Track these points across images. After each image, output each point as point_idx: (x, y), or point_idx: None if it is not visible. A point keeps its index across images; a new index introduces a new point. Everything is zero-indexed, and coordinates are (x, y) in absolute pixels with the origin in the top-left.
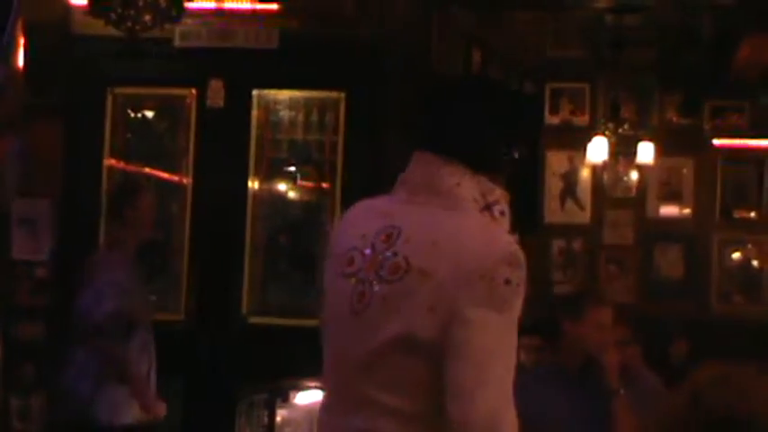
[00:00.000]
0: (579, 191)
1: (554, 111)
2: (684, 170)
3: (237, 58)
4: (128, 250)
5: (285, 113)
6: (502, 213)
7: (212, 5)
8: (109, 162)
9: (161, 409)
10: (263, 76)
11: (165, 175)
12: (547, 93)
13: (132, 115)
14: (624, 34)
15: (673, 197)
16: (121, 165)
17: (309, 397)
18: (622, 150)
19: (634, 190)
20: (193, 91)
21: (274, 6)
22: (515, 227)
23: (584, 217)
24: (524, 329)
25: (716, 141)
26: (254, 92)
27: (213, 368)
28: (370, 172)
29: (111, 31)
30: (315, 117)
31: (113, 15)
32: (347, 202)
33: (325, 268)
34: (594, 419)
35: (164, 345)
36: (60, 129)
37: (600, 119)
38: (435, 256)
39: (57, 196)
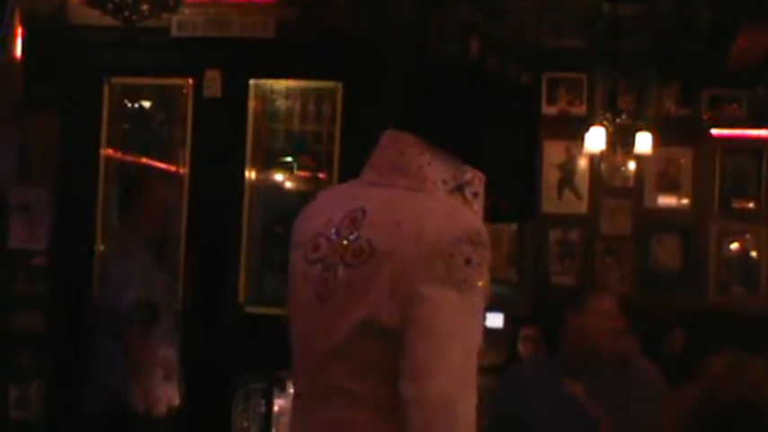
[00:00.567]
0: (577, 181)
1: (551, 101)
2: (682, 160)
3: (234, 48)
4: (143, 240)
5: (282, 103)
6: (475, 195)
7: None
8: (106, 152)
9: (161, 406)
10: (260, 65)
11: (162, 166)
12: (544, 83)
13: (129, 105)
14: (621, 24)
15: (670, 187)
16: (118, 155)
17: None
18: (620, 140)
19: (632, 180)
20: (190, 81)
21: None
22: (515, 217)
23: (582, 207)
24: (522, 320)
25: (714, 131)
26: (251, 82)
27: (210, 358)
28: (366, 161)
29: (109, 20)
30: (312, 107)
31: (110, 5)
32: None
33: (290, 257)
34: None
35: None
36: (57, 119)
37: (597, 109)
38: (397, 237)
39: (54, 186)
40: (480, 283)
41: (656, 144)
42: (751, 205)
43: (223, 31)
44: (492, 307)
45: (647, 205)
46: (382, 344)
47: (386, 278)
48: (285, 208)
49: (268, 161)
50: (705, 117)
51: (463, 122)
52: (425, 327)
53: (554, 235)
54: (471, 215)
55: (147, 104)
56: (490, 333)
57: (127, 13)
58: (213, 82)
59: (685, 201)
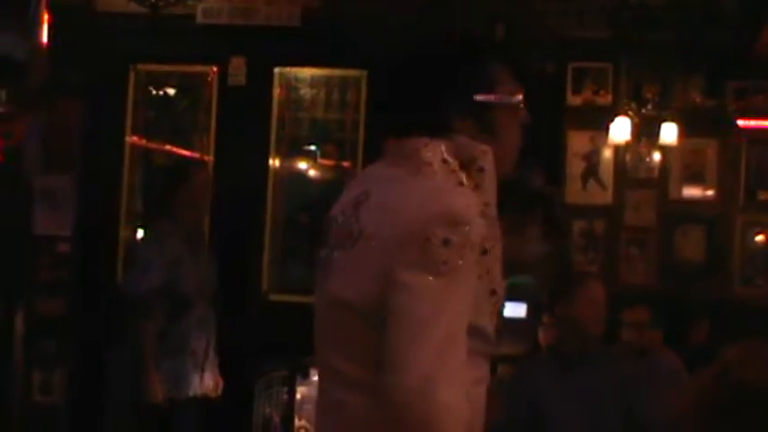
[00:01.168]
0: (601, 171)
1: (576, 91)
2: (708, 151)
3: (259, 36)
4: (182, 228)
5: (306, 91)
6: (480, 170)
7: None
8: (130, 139)
9: (160, 396)
10: (285, 53)
11: (186, 153)
12: (569, 72)
13: (154, 92)
14: (647, 14)
15: (696, 178)
16: (143, 142)
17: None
18: (645, 131)
19: (657, 171)
20: (215, 68)
21: None
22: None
23: (606, 198)
24: (543, 308)
25: (740, 122)
26: (276, 70)
27: (233, 345)
28: None
29: (134, 7)
30: (336, 95)
31: None
32: None
33: None
34: (590, 404)
35: None
36: (82, 105)
37: (623, 99)
38: (381, 220)
39: (78, 172)
40: (463, 264)
41: (681, 135)
42: None
43: (248, 19)
44: (515, 297)
45: (672, 196)
46: (366, 328)
47: (368, 261)
48: (308, 196)
49: (292, 149)
50: (731, 108)
51: (439, 98)
52: (402, 314)
53: (578, 225)
54: (454, 195)
55: (171, 91)
56: (513, 323)
57: (152, 1)
58: (238, 70)
59: (710, 192)
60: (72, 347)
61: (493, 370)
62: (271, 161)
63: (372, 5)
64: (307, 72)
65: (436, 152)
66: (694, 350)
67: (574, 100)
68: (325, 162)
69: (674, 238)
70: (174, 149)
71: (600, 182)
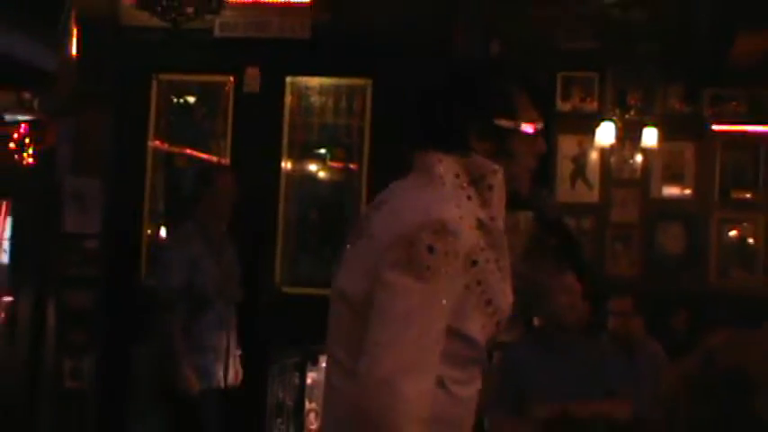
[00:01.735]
0: (588, 172)
1: (565, 98)
2: (686, 153)
3: (272, 48)
4: (205, 230)
5: (316, 99)
6: (489, 188)
7: None
8: (153, 144)
9: (194, 386)
10: (296, 64)
11: (205, 156)
12: (559, 81)
13: (175, 100)
14: (630, 28)
15: (675, 179)
16: (164, 146)
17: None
18: (628, 135)
19: (639, 172)
20: (231, 78)
21: (307, 0)
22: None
23: (593, 197)
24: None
25: (715, 127)
26: (288, 79)
27: (249, 334)
28: (394, 154)
29: (157, 22)
30: (343, 102)
31: (159, 8)
32: (373, 181)
33: None
34: (571, 386)
35: None
36: (108, 113)
37: (608, 106)
38: (381, 221)
39: (105, 175)
40: (446, 271)
41: (661, 138)
42: (748, 195)
43: (262, 32)
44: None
45: (653, 195)
46: (355, 319)
47: (364, 258)
48: (318, 196)
49: (303, 153)
50: (707, 114)
51: (455, 119)
52: (381, 310)
53: (567, 222)
54: (447, 206)
55: (191, 99)
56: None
57: (173, 15)
58: (252, 79)
59: (688, 191)
60: (99, 337)
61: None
62: (283, 163)
63: (377, 20)
64: (316, 81)
65: (449, 167)
66: (674, 337)
67: (563, 106)
68: (334, 164)
69: (656, 234)
70: (194, 153)
71: (587, 182)
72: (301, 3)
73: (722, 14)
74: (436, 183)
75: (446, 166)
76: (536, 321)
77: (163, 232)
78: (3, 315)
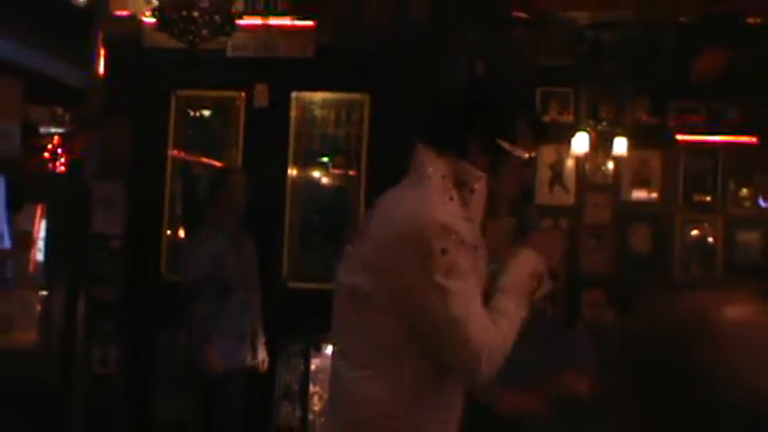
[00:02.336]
0: (565, 178)
1: (544, 111)
2: (652, 161)
3: (279, 66)
4: (224, 226)
5: (319, 112)
6: (471, 191)
7: (259, 22)
8: (172, 153)
9: (218, 366)
10: (301, 80)
11: (219, 164)
12: (538, 95)
13: (191, 114)
14: (602, 47)
15: (643, 184)
16: (182, 155)
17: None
18: (601, 144)
19: (610, 177)
20: (242, 93)
21: (310, 23)
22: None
23: (569, 200)
24: None
25: (678, 137)
26: (293, 94)
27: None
28: (390, 161)
29: (175, 43)
30: (344, 115)
31: (177, 30)
32: (371, 186)
33: None
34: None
35: None
36: (132, 125)
37: (582, 118)
38: (380, 222)
39: (128, 181)
40: (460, 261)
41: (630, 147)
42: (708, 199)
43: (270, 52)
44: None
45: (624, 199)
46: (355, 310)
47: (362, 254)
48: (321, 200)
49: (307, 160)
50: (671, 125)
51: (453, 128)
52: (437, 310)
53: (546, 223)
54: (438, 209)
55: (206, 113)
56: None
57: (190, 37)
58: (262, 94)
59: (654, 195)
60: (123, 327)
61: None
62: (289, 170)
63: (373, 42)
64: (319, 96)
65: (439, 169)
66: None
67: (542, 119)
68: (335, 171)
69: (626, 233)
70: (209, 161)
71: (564, 186)
72: (305, 26)
73: (684, 36)
74: (424, 182)
75: (436, 168)
76: None
77: (180, 233)
78: (39, 307)
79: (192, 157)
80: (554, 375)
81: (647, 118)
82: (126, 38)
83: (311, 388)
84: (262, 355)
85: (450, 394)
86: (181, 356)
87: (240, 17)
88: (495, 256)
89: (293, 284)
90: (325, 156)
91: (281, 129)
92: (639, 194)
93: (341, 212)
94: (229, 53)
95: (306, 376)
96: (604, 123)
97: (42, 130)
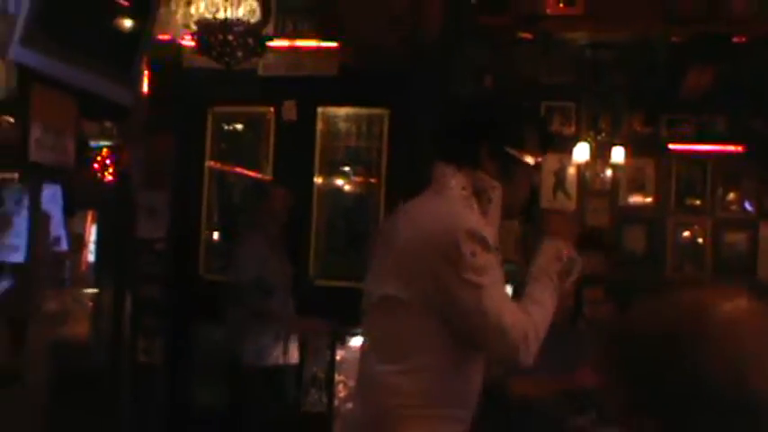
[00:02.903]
0: (567, 184)
1: (548, 123)
2: (647, 168)
3: (306, 84)
4: (266, 234)
5: (342, 125)
6: (489, 201)
7: (287, 44)
8: (209, 164)
9: (322, 326)
10: (326, 97)
11: (251, 174)
12: (543, 110)
13: (226, 128)
14: (601, 65)
15: (638, 189)
16: (218, 166)
17: (361, 341)
18: (600, 153)
19: (609, 183)
20: (272, 109)
21: (334, 44)
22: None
23: (571, 205)
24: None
25: (671, 146)
26: (319, 109)
27: None
28: (406, 170)
29: (212, 64)
30: (365, 128)
31: (214, 53)
32: (390, 193)
33: None
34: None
35: None
36: (172, 139)
37: (583, 129)
38: (410, 231)
39: (170, 190)
40: (489, 262)
41: (627, 156)
42: (698, 203)
43: (297, 71)
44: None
45: (621, 203)
46: (389, 312)
47: (393, 264)
48: (344, 206)
49: (331, 170)
50: (664, 135)
51: (467, 142)
52: (474, 303)
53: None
54: (467, 216)
55: (239, 127)
56: None
57: (226, 59)
58: (290, 109)
59: (649, 200)
60: (166, 321)
61: None
62: (315, 179)
63: (392, 60)
64: (343, 110)
65: (459, 181)
66: None
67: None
68: (357, 179)
69: (623, 235)
70: (242, 171)
71: (566, 192)
72: (330, 47)
73: (676, 55)
74: (446, 193)
75: (456, 180)
76: None
77: (215, 236)
78: (91, 304)
79: (226, 168)
80: (565, 370)
81: (642, 129)
82: (167, 60)
83: (336, 377)
84: (294, 352)
85: (471, 383)
86: (221, 350)
87: (271, 40)
88: (506, 256)
89: (319, 282)
90: (348, 165)
91: (307, 141)
92: (635, 199)
93: (362, 216)
94: (261, 72)
95: (332, 366)
96: (603, 134)
97: (92, 143)
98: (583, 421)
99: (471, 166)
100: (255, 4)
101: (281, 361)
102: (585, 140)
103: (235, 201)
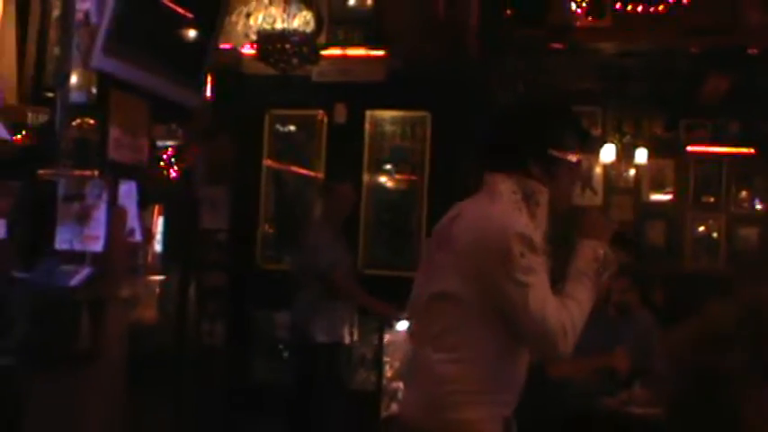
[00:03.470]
0: (594, 183)
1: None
2: (667, 168)
3: (355, 88)
4: (333, 222)
5: (389, 127)
6: (537, 204)
7: (338, 52)
8: (266, 162)
9: (390, 310)
10: (374, 101)
11: (304, 171)
12: None
13: (281, 129)
14: (625, 73)
15: (659, 187)
16: (274, 164)
17: (406, 325)
18: (625, 154)
19: (632, 182)
20: (323, 112)
21: (382, 52)
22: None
23: (598, 201)
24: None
25: (689, 148)
26: (367, 112)
27: None
28: (446, 169)
29: (270, 70)
30: (409, 130)
31: (272, 60)
32: (431, 190)
33: None
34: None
35: None
36: (233, 139)
37: (609, 132)
38: (467, 233)
39: (230, 185)
40: (537, 263)
41: (649, 157)
42: (713, 200)
43: (347, 77)
44: None
45: (643, 200)
46: (448, 307)
47: (450, 263)
48: (389, 201)
49: (378, 168)
50: (683, 138)
51: (517, 148)
52: (522, 300)
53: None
54: (518, 219)
55: (293, 128)
56: None
57: (283, 65)
58: (340, 112)
59: (669, 197)
60: (228, 307)
61: None
62: (363, 176)
63: (434, 67)
64: (389, 114)
65: (508, 186)
66: (656, 310)
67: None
68: (401, 177)
69: (645, 229)
70: (297, 170)
71: (593, 189)
72: (377, 55)
73: (694, 64)
74: (497, 198)
75: (506, 186)
76: None
77: (270, 228)
78: (158, 291)
79: (282, 166)
80: (596, 352)
81: (663, 132)
82: (228, 66)
83: (384, 358)
84: (351, 332)
85: (518, 370)
86: (286, 330)
87: (323, 48)
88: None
89: (367, 271)
90: (393, 164)
91: (356, 142)
92: (656, 196)
93: (406, 211)
94: (314, 78)
95: (380, 348)
96: (627, 137)
97: (159, 143)
98: (613, 401)
99: (520, 173)
100: (309, 16)
101: (346, 340)
102: (611, 142)
103: (288, 197)
